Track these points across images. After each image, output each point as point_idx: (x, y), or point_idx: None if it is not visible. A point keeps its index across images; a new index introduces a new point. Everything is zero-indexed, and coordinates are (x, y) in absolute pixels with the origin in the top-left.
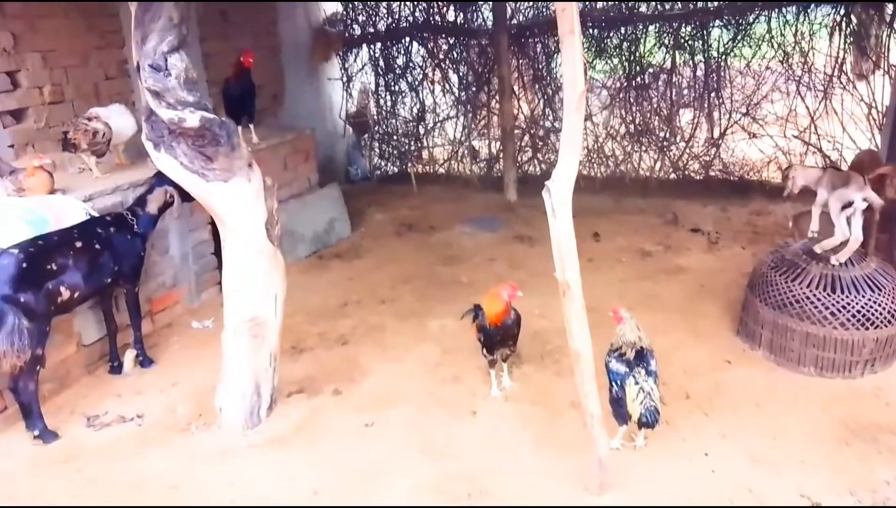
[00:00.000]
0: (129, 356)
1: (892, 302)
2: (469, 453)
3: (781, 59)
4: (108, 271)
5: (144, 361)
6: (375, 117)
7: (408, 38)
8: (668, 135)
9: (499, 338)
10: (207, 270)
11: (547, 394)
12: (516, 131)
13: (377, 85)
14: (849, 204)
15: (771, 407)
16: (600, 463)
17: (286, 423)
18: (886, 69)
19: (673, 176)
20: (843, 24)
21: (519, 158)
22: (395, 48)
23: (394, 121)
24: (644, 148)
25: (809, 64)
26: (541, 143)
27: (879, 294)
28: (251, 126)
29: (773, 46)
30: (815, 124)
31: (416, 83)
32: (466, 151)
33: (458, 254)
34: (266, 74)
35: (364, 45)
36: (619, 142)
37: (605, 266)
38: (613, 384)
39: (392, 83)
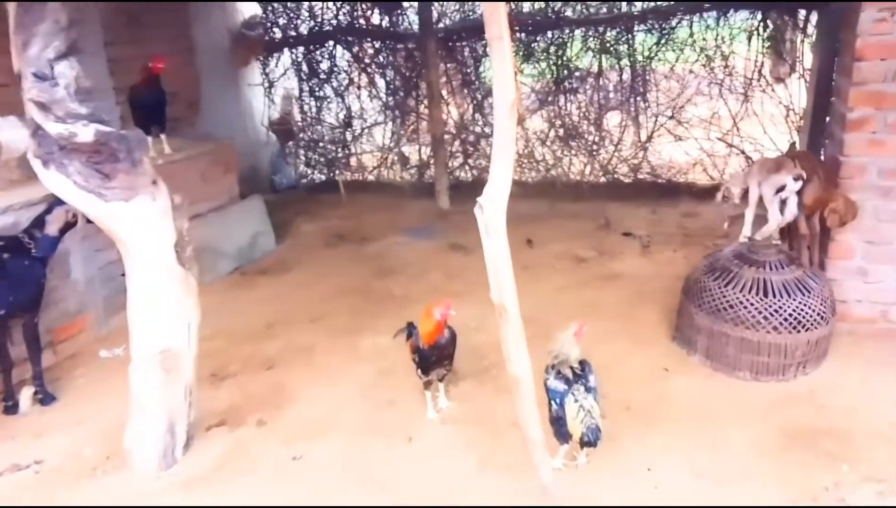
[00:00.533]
0: (25, 394)
1: (821, 304)
2: (408, 484)
3: (704, 62)
4: (3, 302)
5: (45, 398)
6: (300, 124)
7: (332, 42)
8: (596, 138)
9: (434, 358)
10: (117, 293)
11: (487, 413)
12: (446, 137)
13: (301, 90)
14: (781, 188)
15: (711, 416)
16: (544, 489)
17: (205, 461)
18: (802, 73)
19: (604, 179)
20: (761, 29)
21: (450, 165)
22: (318, 52)
23: (319, 127)
24: (574, 152)
25: (730, 68)
26: (472, 148)
27: (809, 297)
28: (163, 136)
29: (695, 50)
30: (738, 126)
31: (342, 88)
32: (396, 158)
33: (392, 265)
34: (180, 81)
35: (286, 49)
36: (549, 146)
37: (542, 274)
38: (553, 402)
39: (316, 88)
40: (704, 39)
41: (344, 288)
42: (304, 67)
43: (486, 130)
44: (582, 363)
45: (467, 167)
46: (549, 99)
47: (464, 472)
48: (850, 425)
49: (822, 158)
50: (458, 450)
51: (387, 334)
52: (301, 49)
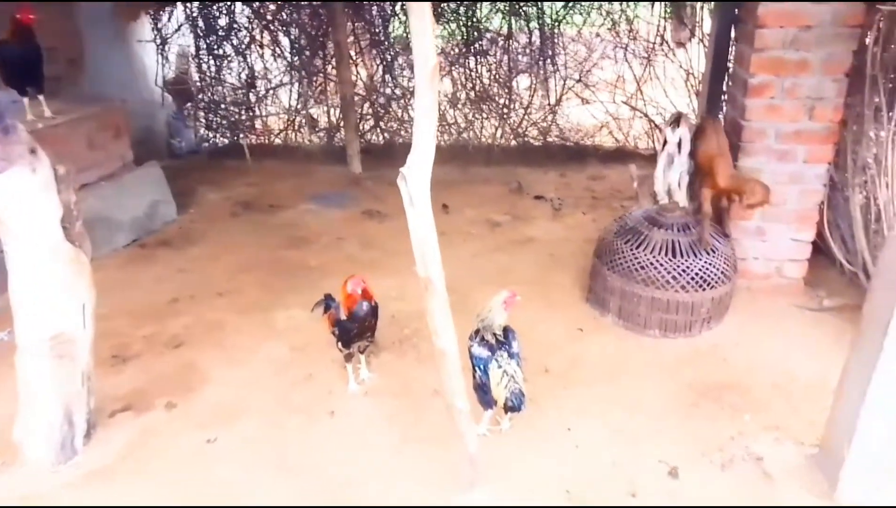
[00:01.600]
0: None
1: (724, 263)
2: (331, 461)
3: (609, 27)
4: None
5: None
6: (199, 84)
7: None
8: (507, 102)
9: (355, 331)
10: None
11: (409, 384)
12: (356, 99)
13: (198, 48)
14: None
15: (625, 375)
16: (471, 459)
17: (109, 451)
18: (701, 38)
19: (514, 143)
20: None
21: (361, 128)
22: (215, 7)
23: (220, 88)
24: (485, 115)
25: (634, 32)
26: (383, 111)
27: (714, 257)
28: (41, 98)
29: (601, 15)
30: (641, 90)
31: (243, 47)
32: (304, 121)
33: (304, 235)
34: (57, 35)
35: (179, 4)
36: (461, 109)
37: (457, 240)
38: (476, 369)
39: (215, 46)
40: (610, 4)
41: (253, 260)
42: (201, 23)
43: (398, 91)
44: (505, 329)
45: (379, 130)
46: (460, 61)
47: (387, 446)
48: (750, 377)
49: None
50: (381, 423)
51: (301, 307)
52: (196, 4)
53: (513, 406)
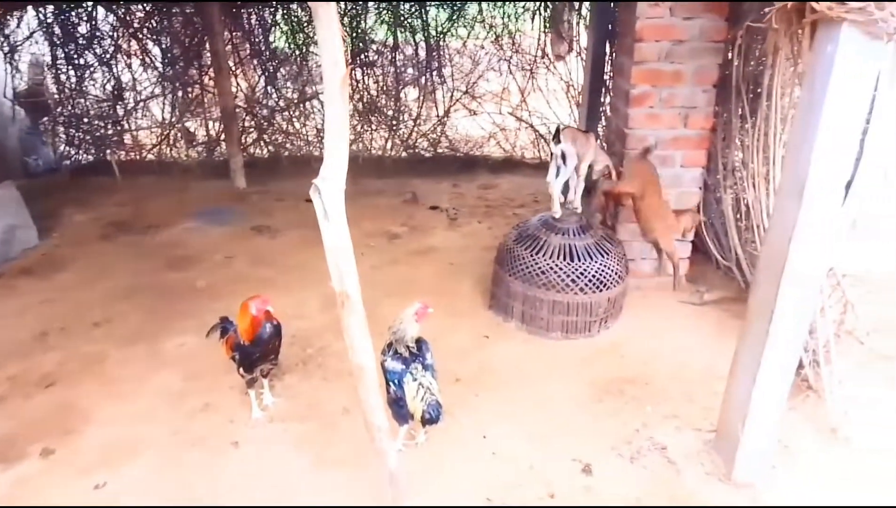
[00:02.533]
0: None
1: (618, 264)
2: (240, 494)
3: (493, 40)
4: None
5: None
6: (56, 97)
7: (90, 2)
8: (396, 113)
9: (258, 355)
10: None
11: (317, 405)
12: (237, 111)
13: (55, 57)
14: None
15: (532, 378)
16: (391, 476)
17: None
18: (579, 51)
19: (405, 154)
20: (542, 10)
21: (244, 141)
22: (73, 13)
23: (83, 100)
24: (374, 127)
25: (517, 45)
26: (266, 123)
27: (608, 258)
28: None
29: (485, 28)
30: (526, 101)
31: (108, 56)
32: (180, 135)
33: (188, 254)
34: None
35: (30, 8)
36: (349, 121)
37: (356, 253)
38: (391, 384)
39: (75, 55)
40: (493, 17)
41: (132, 285)
42: (57, 30)
43: (282, 103)
44: (418, 341)
45: (263, 143)
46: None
47: (300, 471)
48: (647, 370)
49: (605, 131)
50: (291, 449)
51: (192, 333)
52: (50, 8)
53: (430, 419)
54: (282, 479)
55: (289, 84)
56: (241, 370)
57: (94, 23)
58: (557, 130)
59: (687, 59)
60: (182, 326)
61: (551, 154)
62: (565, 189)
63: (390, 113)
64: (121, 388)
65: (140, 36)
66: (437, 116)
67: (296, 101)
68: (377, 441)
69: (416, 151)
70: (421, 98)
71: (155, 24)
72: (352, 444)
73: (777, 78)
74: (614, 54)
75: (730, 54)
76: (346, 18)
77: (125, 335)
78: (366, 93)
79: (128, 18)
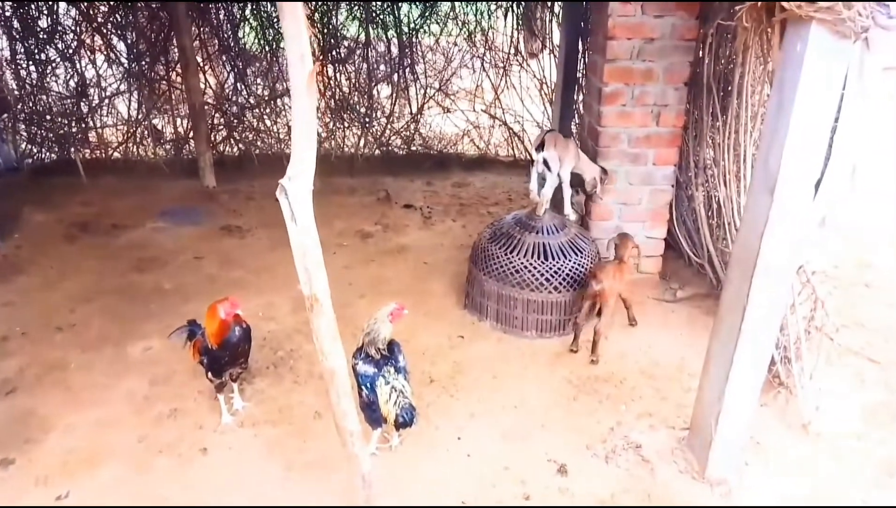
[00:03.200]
0: None
1: (591, 262)
2: (210, 502)
3: (466, 37)
4: None
5: None
6: (16, 93)
7: None
8: (369, 110)
9: (227, 359)
10: None
11: (288, 408)
12: (206, 108)
13: (14, 52)
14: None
15: (507, 377)
16: (364, 480)
17: None
18: (552, 49)
19: (378, 152)
20: (514, 7)
21: (213, 139)
22: (32, 7)
23: (44, 97)
24: (347, 124)
25: (490, 42)
26: (235, 120)
27: (581, 256)
28: None
29: (458, 24)
30: (499, 99)
31: (70, 51)
32: (147, 132)
33: (155, 256)
34: None
35: None
36: (321, 119)
37: (327, 253)
38: (363, 387)
39: (35, 50)
40: (465, 14)
41: (97, 288)
42: (16, 24)
43: (252, 100)
44: (390, 343)
45: (233, 141)
46: (319, 69)
47: (272, 477)
48: (621, 369)
49: (578, 129)
50: (262, 454)
51: (159, 337)
52: (8, 2)
53: (404, 422)
54: (253, 485)
55: (259, 81)
56: (209, 374)
57: (55, 17)
58: (542, 140)
59: (658, 58)
60: (148, 329)
61: (531, 161)
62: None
63: (363, 110)
64: (84, 394)
65: (104, 31)
66: (411, 113)
67: (266, 98)
68: (349, 446)
69: (390, 149)
70: (394, 95)
71: (119, 19)
72: (324, 448)
73: (747, 76)
74: (587, 52)
75: (700, 52)
76: (317, 14)
77: (89, 339)
78: (338, 90)
79: (91, 13)
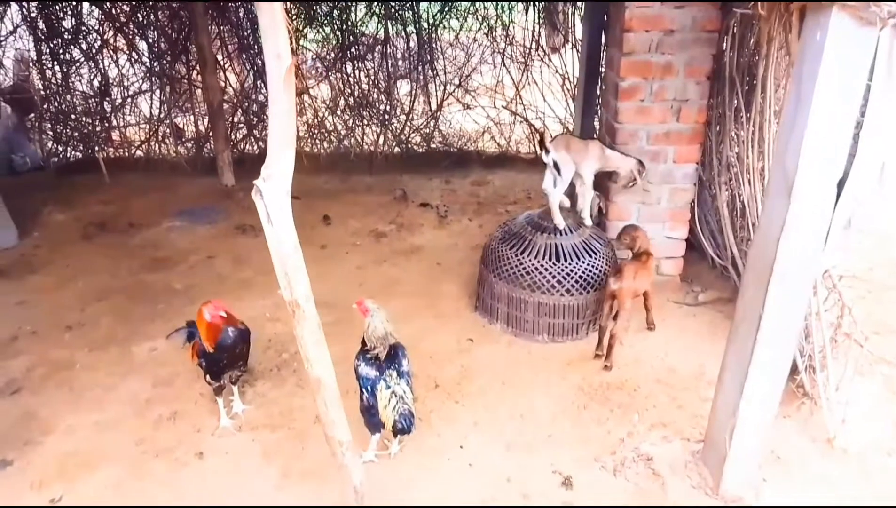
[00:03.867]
0: None
1: (606, 264)
2: None
3: (486, 31)
4: None
5: None
6: (42, 93)
7: None
8: (388, 108)
9: (224, 362)
10: None
11: (289, 413)
12: (226, 107)
13: (40, 53)
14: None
15: (516, 384)
16: (356, 492)
17: None
18: (574, 43)
19: (397, 150)
20: (536, 1)
21: (232, 137)
22: (57, 7)
23: (69, 96)
24: (366, 122)
25: (511, 37)
26: (255, 119)
27: (596, 258)
28: None
29: (477, 19)
30: (520, 95)
31: (94, 51)
32: (168, 131)
33: (168, 255)
34: None
35: (13, 3)
36: (340, 116)
37: (340, 253)
38: (364, 390)
39: (61, 50)
40: (486, 8)
41: (108, 287)
42: (42, 25)
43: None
44: (394, 346)
45: (252, 139)
46: (337, 66)
47: (266, 484)
48: (635, 375)
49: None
50: (258, 459)
51: (164, 337)
52: (34, 3)
53: (402, 429)
54: (246, 491)
55: None
56: (207, 377)
57: (79, 17)
58: (542, 139)
59: (678, 50)
60: (155, 330)
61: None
62: (573, 197)
63: (382, 108)
64: (87, 395)
65: (126, 30)
66: (430, 110)
67: None
68: (339, 457)
69: (409, 146)
70: (413, 92)
71: (141, 19)
72: (322, 455)
73: (771, 69)
74: (606, 46)
75: (723, 45)
76: (335, 11)
77: (96, 339)
78: (357, 87)
79: (113, 12)
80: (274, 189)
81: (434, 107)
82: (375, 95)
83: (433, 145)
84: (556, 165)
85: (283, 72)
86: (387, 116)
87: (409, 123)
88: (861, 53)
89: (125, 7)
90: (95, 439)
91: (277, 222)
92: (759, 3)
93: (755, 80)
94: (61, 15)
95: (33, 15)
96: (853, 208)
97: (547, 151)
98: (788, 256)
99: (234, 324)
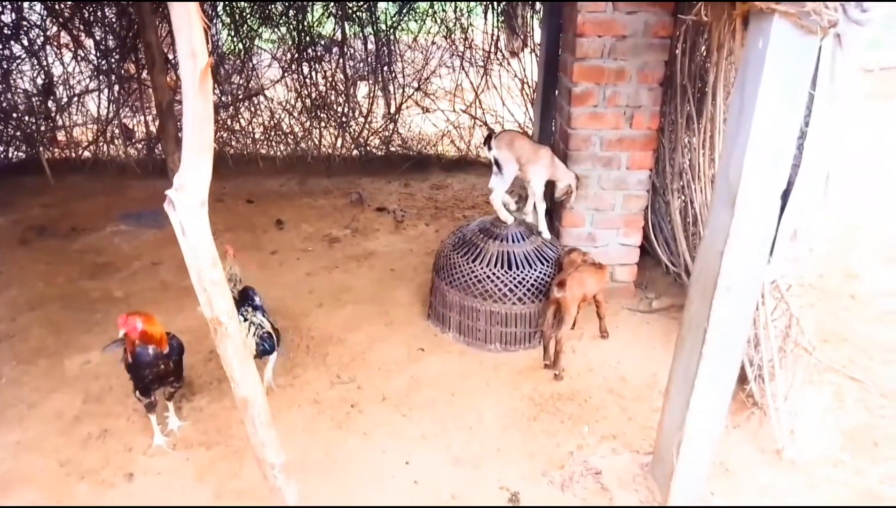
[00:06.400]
0: None
1: (559, 272)
2: None
3: (445, 34)
4: None
5: None
6: None
7: None
8: (346, 110)
9: (151, 377)
10: None
11: (227, 429)
12: (177, 107)
13: None
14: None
15: (465, 394)
16: None
17: None
18: (533, 47)
19: (355, 153)
20: (495, 4)
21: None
22: None
23: (11, 95)
24: (324, 124)
25: (470, 40)
26: None
27: (548, 266)
28: None
29: (436, 22)
30: (479, 99)
31: (38, 47)
32: (118, 131)
33: (110, 261)
34: None
35: None
36: (298, 118)
37: (291, 258)
38: None
39: (0, 46)
40: (444, 11)
41: (43, 295)
42: None
43: (225, 99)
44: (246, 288)
45: None
46: (293, 67)
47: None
48: (587, 385)
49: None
50: (191, 480)
51: (99, 349)
52: None
53: (265, 350)
54: None
55: (233, 79)
56: (137, 393)
57: (19, 12)
58: (489, 136)
59: (631, 56)
60: (91, 341)
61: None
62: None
63: (340, 110)
64: (8, 413)
65: (70, 27)
66: (389, 113)
67: (240, 96)
68: (271, 479)
69: (367, 149)
70: (371, 95)
71: (87, 15)
72: (258, 474)
73: (721, 76)
74: (560, 51)
75: (676, 51)
76: (291, 11)
77: (24, 351)
78: (314, 89)
79: (57, 8)
80: (188, 200)
81: (393, 110)
82: (333, 97)
83: (392, 148)
84: (497, 163)
85: (198, 72)
86: (345, 119)
87: (367, 126)
88: (803, 62)
89: (68, 2)
90: (15, 460)
91: (192, 234)
92: (704, 9)
93: (706, 87)
94: (0, 9)
95: None
96: (799, 218)
97: (490, 148)
98: (733, 268)
99: (148, 341)
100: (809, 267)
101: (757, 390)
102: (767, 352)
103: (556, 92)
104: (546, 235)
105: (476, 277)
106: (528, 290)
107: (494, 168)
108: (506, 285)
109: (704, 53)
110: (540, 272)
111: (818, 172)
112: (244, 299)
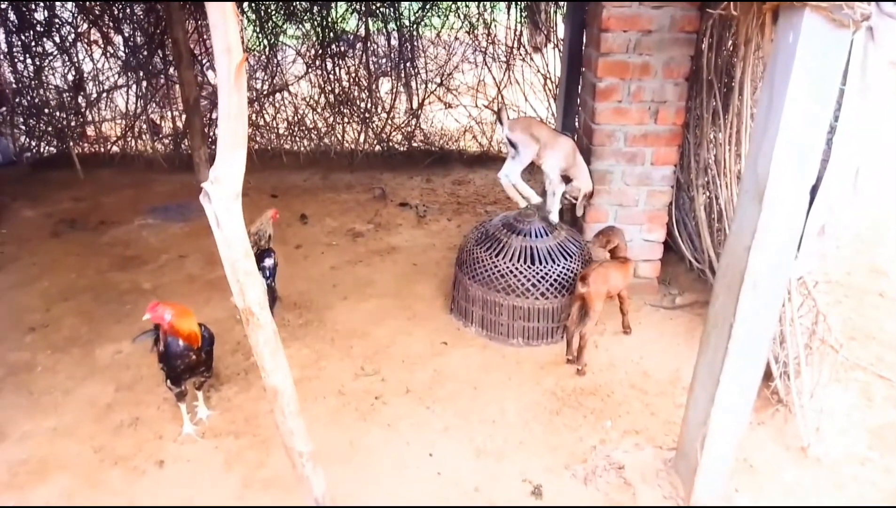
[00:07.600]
0: None
1: (582, 267)
2: None
3: (468, 30)
4: None
5: None
6: (14, 86)
7: None
8: (369, 105)
9: (182, 367)
10: None
11: (254, 418)
12: (204, 102)
13: (10, 45)
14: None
15: (488, 388)
16: (317, 502)
17: None
18: (556, 42)
19: (378, 148)
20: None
21: (210, 133)
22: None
23: (43, 90)
24: (347, 119)
25: (493, 36)
26: None
27: (571, 261)
28: None
29: (459, 18)
30: (502, 94)
31: (68, 44)
32: (145, 127)
33: (139, 254)
34: None
35: None
36: (321, 113)
37: (315, 252)
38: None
39: (33, 43)
40: (467, 7)
41: (75, 286)
42: (12, 17)
43: (251, 94)
44: (264, 251)
45: None
46: (317, 63)
47: (225, 494)
48: (609, 380)
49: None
50: (219, 468)
51: (130, 339)
52: None
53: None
54: (204, 502)
55: (257, 75)
56: (168, 382)
57: (51, 10)
58: (499, 110)
59: (656, 51)
60: (121, 331)
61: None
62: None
63: (363, 105)
64: (44, 400)
65: (101, 24)
66: (411, 108)
67: (265, 92)
68: (299, 468)
69: (390, 144)
70: (394, 90)
71: (116, 12)
72: (286, 462)
73: (748, 71)
74: (584, 46)
75: (702, 46)
76: (315, 7)
77: (58, 341)
78: (337, 84)
79: (88, 5)
80: (223, 192)
81: (415, 105)
82: (356, 93)
83: (414, 144)
84: (512, 144)
85: (233, 67)
86: (368, 114)
87: (390, 122)
88: (834, 56)
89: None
90: (50, 446)
91: (227, 226)
92: (732, 3)
93: (733, 81)
94: (33, 7)
95: (3, 6)
96: (827, 214)
97: (502, 124)
98: (760, 264)
99: (175, 334)
100: (837, 264)
101: (782, 387)
102: (793, 349)
103: (580, 87)
104: (554, 218)
105: (499, 271)
106: (551, 285)
107: (511, 150)
108: (528, 280)
109: (731, 48)
110: (563, 267)
111: (847, 168)
112: (258, 258)
